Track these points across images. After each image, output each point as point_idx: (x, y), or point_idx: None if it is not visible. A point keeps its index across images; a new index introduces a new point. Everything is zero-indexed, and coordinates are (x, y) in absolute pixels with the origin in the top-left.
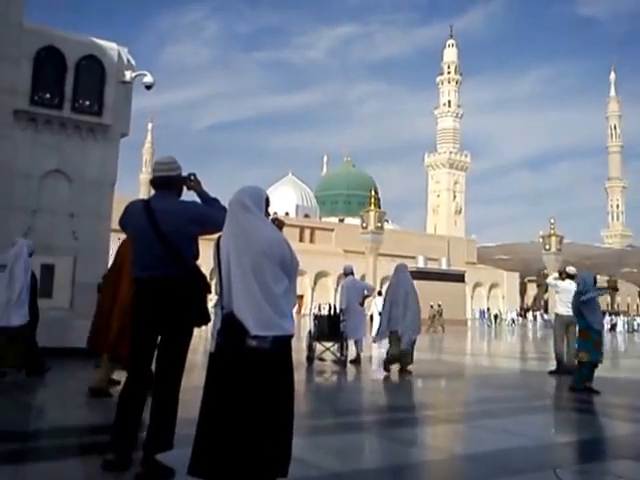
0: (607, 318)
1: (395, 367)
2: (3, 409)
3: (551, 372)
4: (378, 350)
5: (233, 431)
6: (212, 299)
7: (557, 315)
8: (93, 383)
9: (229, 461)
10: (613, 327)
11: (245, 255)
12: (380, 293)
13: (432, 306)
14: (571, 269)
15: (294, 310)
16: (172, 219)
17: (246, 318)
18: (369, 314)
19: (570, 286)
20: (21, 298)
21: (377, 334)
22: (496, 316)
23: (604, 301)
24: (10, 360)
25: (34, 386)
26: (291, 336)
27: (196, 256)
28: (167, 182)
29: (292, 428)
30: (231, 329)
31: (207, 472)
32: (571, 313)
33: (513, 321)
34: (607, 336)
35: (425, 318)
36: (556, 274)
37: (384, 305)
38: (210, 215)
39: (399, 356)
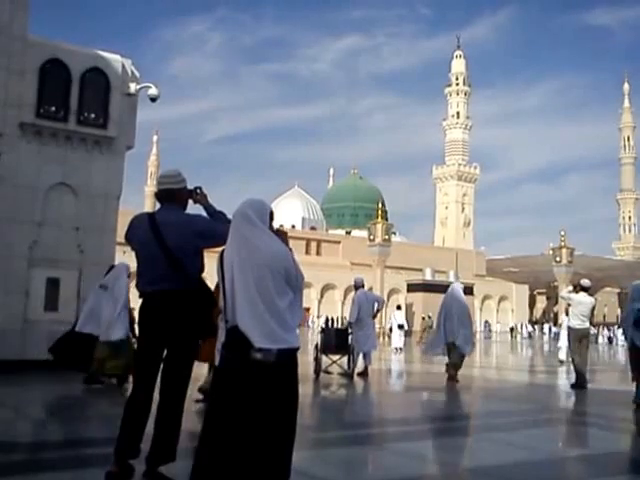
0: (605, 332)
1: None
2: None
3: (573, 385)
4: (396, 363)
5: (236, 445)
6: None
7: (570, 328)
8: (203, 384)
9: (230, 475)
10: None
11: (248, 268)
12: (399, 307)
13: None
14: (585, 282)
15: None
16: (177, 232)
17: (250, 331)
18: (388, 327)
19: (584, 299)
20: (121, 315)
21: (430, 347)
22: (512, 329)
23: (614, 313)
24: (108, 369)
25: (43, 397)
26: (297, 349)
27: (201, 269)
28: (172, 195)
29: (293, 441)
30: (235, 342)
31: None
32: (584, 326)
33: (530, 335)
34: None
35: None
36: (570, 287)
37: (438, 320)
38: (215, 229)
39: (458, 364)
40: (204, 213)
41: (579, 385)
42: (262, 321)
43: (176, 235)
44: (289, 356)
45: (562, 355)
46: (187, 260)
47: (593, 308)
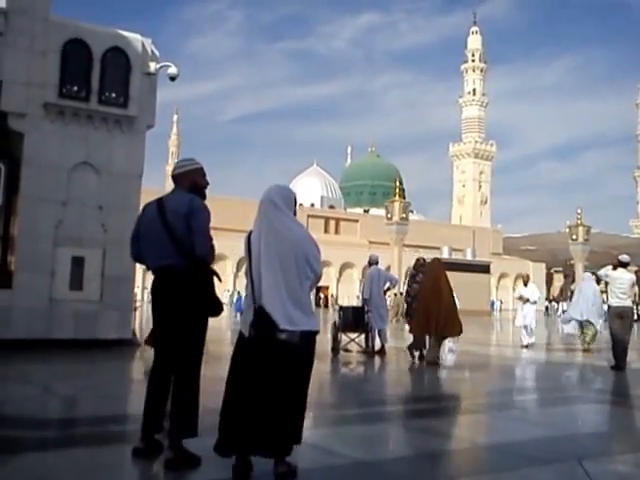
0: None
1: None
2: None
3: (612, 367)
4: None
5: (256, 411)
6: (228, 289)
7: (609, 307)
8: (428, 358)
9: (251, 437)
10: None
11: (275, 253)
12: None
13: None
14: (624, 257)
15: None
16: (176, 210)
17: (274, 313)
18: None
19: (623, 274)
20: None
21: (564, 322)
22: (547, 308)
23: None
24: None
25: (69, 375)
26: (316, 332)
27: (203, 248)
28: (175, 179)
29: (304, 407)
30: (263, 322)
31: (233, 449)
32: (623, 304)
33: (563, 312)
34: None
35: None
36: (609, 267)
37: (573, 301)
38: (201, 218)
39: (592, 338)
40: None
41: (619, 367)
42: (284, 305)
43: (176, 212)
44: (310, 338)
45: (525, 338)
46: (187, 237)
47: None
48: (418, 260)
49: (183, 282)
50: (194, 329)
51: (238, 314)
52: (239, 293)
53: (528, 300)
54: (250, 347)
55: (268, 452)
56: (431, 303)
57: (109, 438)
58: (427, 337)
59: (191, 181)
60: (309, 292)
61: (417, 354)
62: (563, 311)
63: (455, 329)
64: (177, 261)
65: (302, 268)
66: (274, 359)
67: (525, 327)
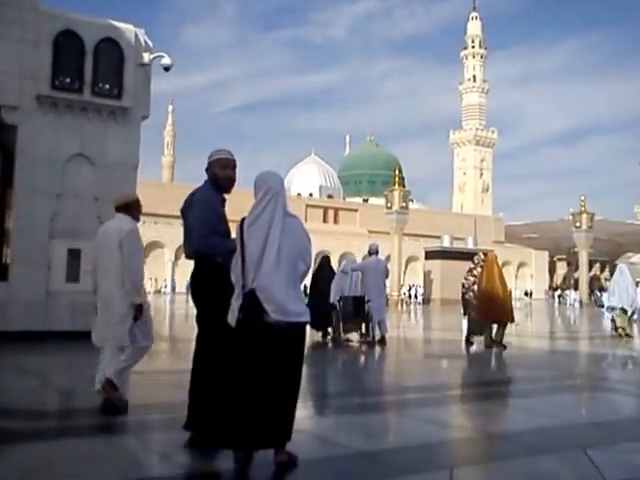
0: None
1: None
2: None
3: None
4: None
5: (249, 402)
6: None
7: None
8: (496, 338)
9: (250, 432)
10: None
11: (275, 244)
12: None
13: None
14: None
15: None
16: (184, 206)
17: (266, 302)
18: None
19: None
20: None
21: (605, 308)
22: (560, 296)
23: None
24: None
25: (66, 367)
26: (306, 323)
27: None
28: (206, 170)
29: (296, 398)
30: (252, 306)
31: (239, 444)
32: None
33: (578, 302)
34: None
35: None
36: None
37: (610, 290)
38: (192, 213)
39: (627, 324)
40: None
41: None
42: (278, 296)
43: (189, 207)
44: (299, 328)
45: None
46: (187, 230)
47: None
48: (478, 255)
49: (197, 273)
50: (209, 317)
51: None
52: None
53: None
54: (238, 334)
55: (268, 444)
56: (489, 294)
57: (106, 429)
58: (490, 323)
59: (212, 172)
60: (299, 283)
61: (480, 338)
62: (574, 299)
63: (509, 316)
64: (189, 250)
65: (295, 259)
66: (262, 345)
67: None
